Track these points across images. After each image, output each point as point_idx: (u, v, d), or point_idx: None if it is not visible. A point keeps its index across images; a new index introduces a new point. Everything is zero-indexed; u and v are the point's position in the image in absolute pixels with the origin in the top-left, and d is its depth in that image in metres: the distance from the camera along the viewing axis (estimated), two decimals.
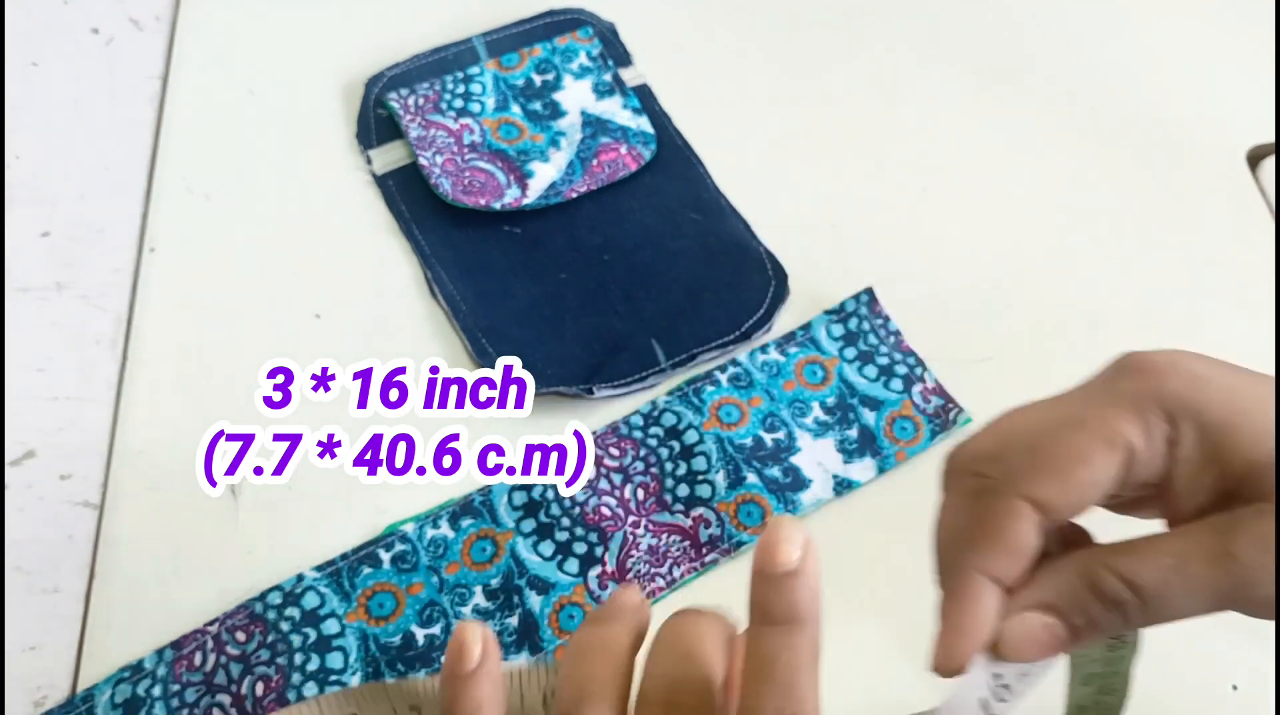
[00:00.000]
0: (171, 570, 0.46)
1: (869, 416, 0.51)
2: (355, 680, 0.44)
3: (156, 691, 0.43)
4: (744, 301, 0.54)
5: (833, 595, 0.47)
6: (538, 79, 0.59)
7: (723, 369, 0.52)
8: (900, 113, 0.61)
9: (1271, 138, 0.61)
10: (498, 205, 0.55)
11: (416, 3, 0.63)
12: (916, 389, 0.51)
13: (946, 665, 0.29)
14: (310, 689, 0.43)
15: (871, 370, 0.52)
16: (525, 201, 0.55)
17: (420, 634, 0.45)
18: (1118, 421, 0.28)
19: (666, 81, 0.61)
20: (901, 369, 0.52)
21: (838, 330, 0.53)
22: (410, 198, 0.56)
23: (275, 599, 0.45)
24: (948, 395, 0.51)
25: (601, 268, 0.55)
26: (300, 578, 0.46)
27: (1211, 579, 0.27)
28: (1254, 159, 0.61)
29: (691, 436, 0.49)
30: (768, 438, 0.50)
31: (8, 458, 0.49)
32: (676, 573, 0.47)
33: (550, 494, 0.48)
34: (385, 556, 0.46)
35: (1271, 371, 0.48)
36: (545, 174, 0.56)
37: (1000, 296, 0.55)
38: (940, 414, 0.51)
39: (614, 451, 0.49)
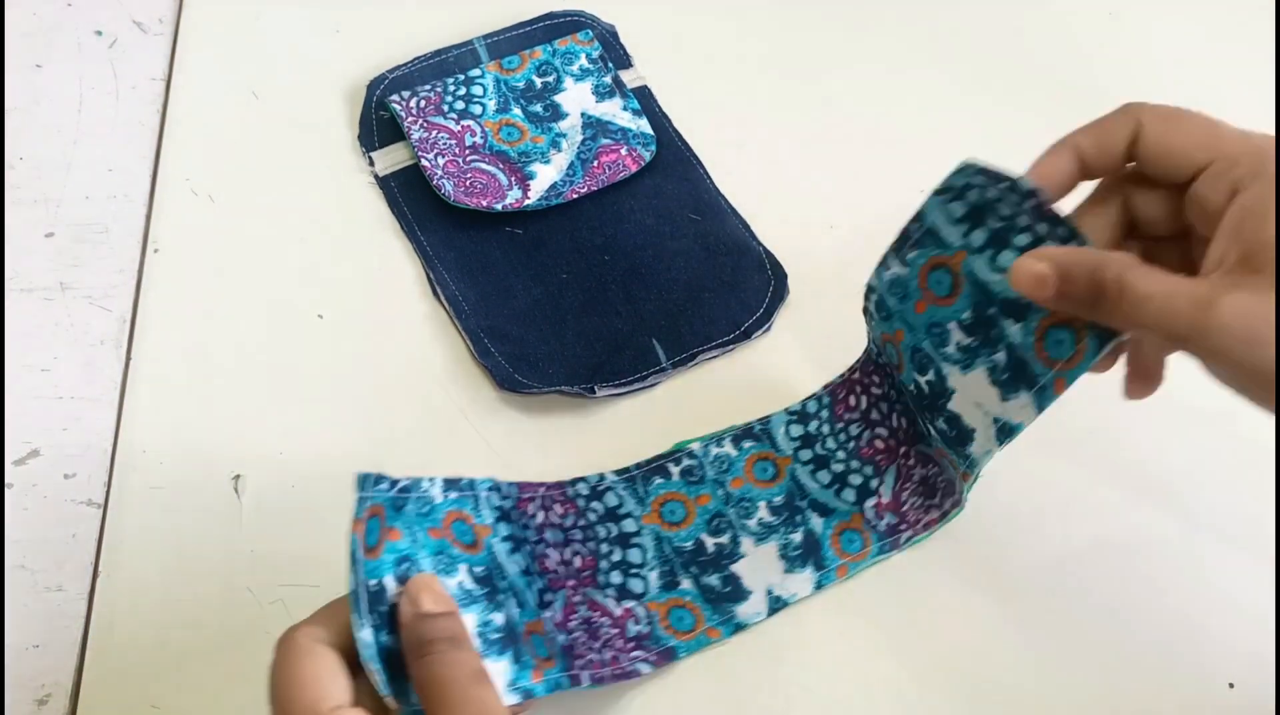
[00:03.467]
0: (174, 569, 0.47)
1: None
2: (654, 576, 0.46)
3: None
4: (744, 301, 0.54)
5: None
6: (538, 81, 0.60)
7: None
8: (899, 113, 0.62)
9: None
10: (499, 206, 0.55)
11: (417, 5, 0.63)
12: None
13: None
14: (615, 577, 0.46)
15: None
16: (526, 203, 0.56)
17: (710, 542, 0.47)
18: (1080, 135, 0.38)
19: (666, 83, 0.61)
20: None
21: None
22: (412, 199, 0.57)
23: (583, 489, 0.48)
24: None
25: (602, 268, 0.55)
26: (602, 477, 0.48)
27: (1187, 316, 0.31)
28: None
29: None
30: None
31: (12, 457, 0.49)
32: (947, 504, 0.47)
33: (825, 428, 0.49)
34: (674, 470, 0.49)
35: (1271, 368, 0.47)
36: (546, 175, 0.56)
37: None
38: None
39: (875, 378, 0.48)
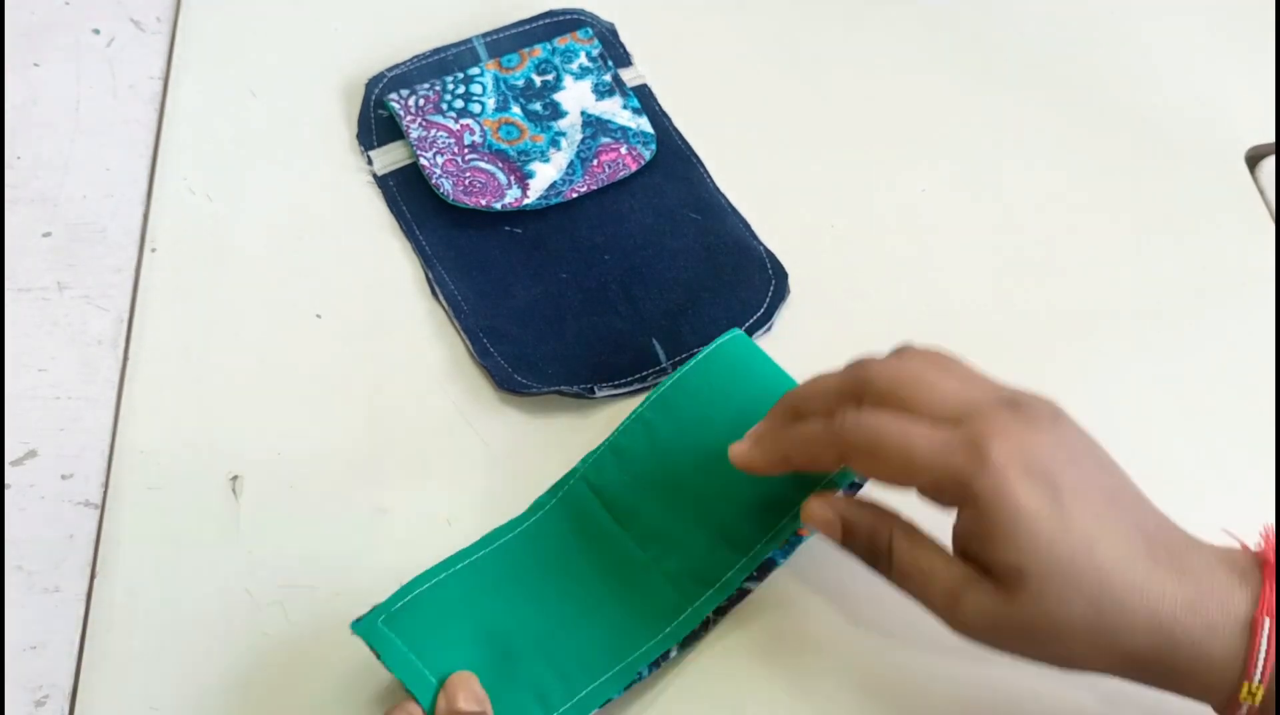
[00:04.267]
0: (172, 570, 0.46)
1: None
2: None
3: None
4: (744, 301, 0.54)
5: None
6: (538, 79, 0.60)
7: None
8: (900, 113, 0.62)
9: (1271, 138, 0.61)
10: (498, 205, 0.55)
11: (416, 3, 0.63)
12: None
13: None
14: None
15: None
16: (526, 202, 0.56)
17: None
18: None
19: (666, 81, 0.61)
20: None
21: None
22: (411, 198, 0.56)
23: None
24: None
25: (602, 267, 0.55)
26: None
27: (939, 601, 0.39)
28: (1254, 159, 0.61)
29: None
30: None
31: (9, 457, 0.49)
32: None
33: None
34: None
35: (1272, 373, 0.47)
36: (546, 174, 0.56)
37: (999, 296, 0.55)
38: None
39: None
